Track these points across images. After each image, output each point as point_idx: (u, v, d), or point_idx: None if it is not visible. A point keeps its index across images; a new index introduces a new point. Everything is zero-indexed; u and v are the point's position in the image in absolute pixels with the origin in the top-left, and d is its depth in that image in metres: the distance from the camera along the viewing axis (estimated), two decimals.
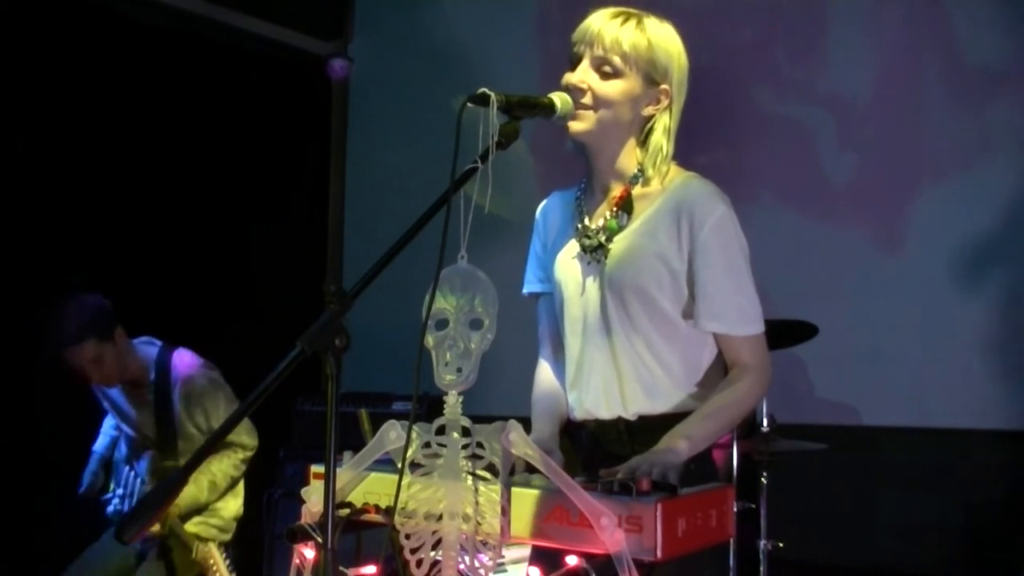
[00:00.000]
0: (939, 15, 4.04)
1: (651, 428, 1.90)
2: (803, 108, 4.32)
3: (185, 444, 3.60)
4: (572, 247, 2.05)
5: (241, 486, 3.72)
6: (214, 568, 3.51)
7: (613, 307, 1.96)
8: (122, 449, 3.77)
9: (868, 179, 4.14)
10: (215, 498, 3.58)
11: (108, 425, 3.88)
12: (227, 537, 3.65)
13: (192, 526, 3.54)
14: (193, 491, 3.46)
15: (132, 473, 3.67)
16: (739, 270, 1.92)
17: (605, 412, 1.99)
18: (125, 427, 3.71)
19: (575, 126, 1.93)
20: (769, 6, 4.47)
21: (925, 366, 3.92)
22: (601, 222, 2.00)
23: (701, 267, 1.90)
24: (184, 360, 3.62)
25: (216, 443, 1.56)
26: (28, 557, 4.11)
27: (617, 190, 2.00)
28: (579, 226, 2.04)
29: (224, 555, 3.54)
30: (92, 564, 3.59)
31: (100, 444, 3.86)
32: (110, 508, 3.69)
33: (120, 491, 3.68)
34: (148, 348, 3.64)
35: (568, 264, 2.05)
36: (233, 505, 3.68)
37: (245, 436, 3.59)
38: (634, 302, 1.94)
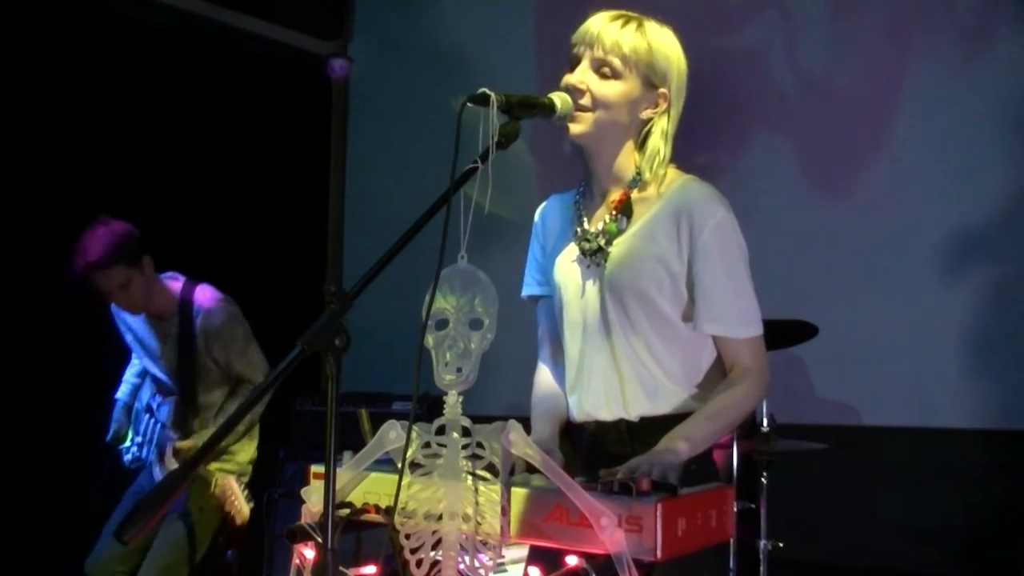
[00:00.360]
0: (936, 8, 4.04)
1: (652, 429, 1.91)
2: (801, 107, 4.32)
3: (203, 380, 3.64)
4: (571, 250, 2.05)
5: (256, 431, 3.76)
6: (232, 499, 3.57)
7: (613, 310, 1.96)
8: (143, 397, 3.82)
9: (868, 178, 4.13)
10: (233, 441, 3.64)
11: (130, 373, 3.94)
12: (245, 479, 3.70)
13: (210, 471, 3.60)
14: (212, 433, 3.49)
15: (152, 420, 3.71)
16: (738, 273, 1.93)
17: (606, 414, 1.99)
18: (147, 361, 3.75)
19: (574, 128, 1.92)
20: (765, 4, 4.47)
21: (925, 366, 3.92)
22: (600, 225, 2.00)
23: (701, 270, 1.90)
24: (206, 294, 3.69)
25: (222, 438, 1.57)
26: (46, 516, 4.18)
27: (616, 194, 2.00)
28: (578, 230, 2.04)
29: (242, 487, 3.62)
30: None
31: (123, 392, 3.91)
32: (128, 456, 3.74)
33: (139, 439, 3.72)
34: (172, 282, 3.70)
35: (567, 267, 2.05)
36: (249, 449, 3.74)
37: (261, 377, 3.63)
38: (634, 305, 1.94)
